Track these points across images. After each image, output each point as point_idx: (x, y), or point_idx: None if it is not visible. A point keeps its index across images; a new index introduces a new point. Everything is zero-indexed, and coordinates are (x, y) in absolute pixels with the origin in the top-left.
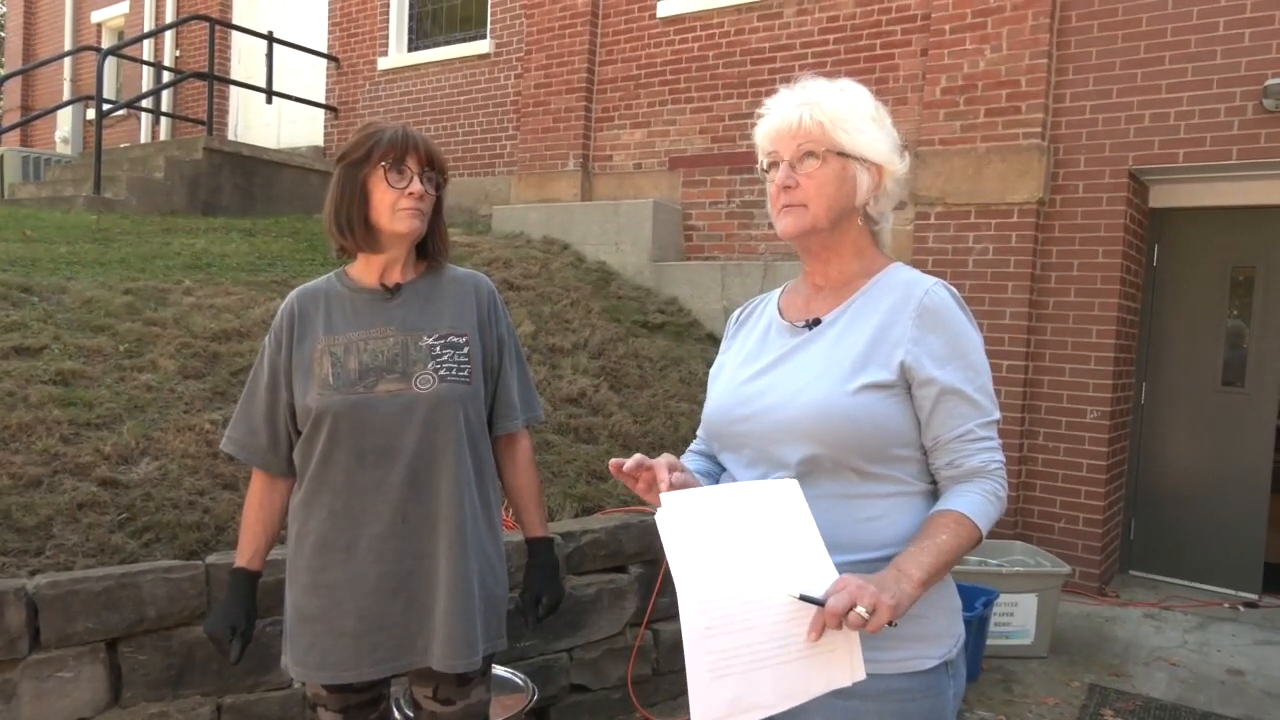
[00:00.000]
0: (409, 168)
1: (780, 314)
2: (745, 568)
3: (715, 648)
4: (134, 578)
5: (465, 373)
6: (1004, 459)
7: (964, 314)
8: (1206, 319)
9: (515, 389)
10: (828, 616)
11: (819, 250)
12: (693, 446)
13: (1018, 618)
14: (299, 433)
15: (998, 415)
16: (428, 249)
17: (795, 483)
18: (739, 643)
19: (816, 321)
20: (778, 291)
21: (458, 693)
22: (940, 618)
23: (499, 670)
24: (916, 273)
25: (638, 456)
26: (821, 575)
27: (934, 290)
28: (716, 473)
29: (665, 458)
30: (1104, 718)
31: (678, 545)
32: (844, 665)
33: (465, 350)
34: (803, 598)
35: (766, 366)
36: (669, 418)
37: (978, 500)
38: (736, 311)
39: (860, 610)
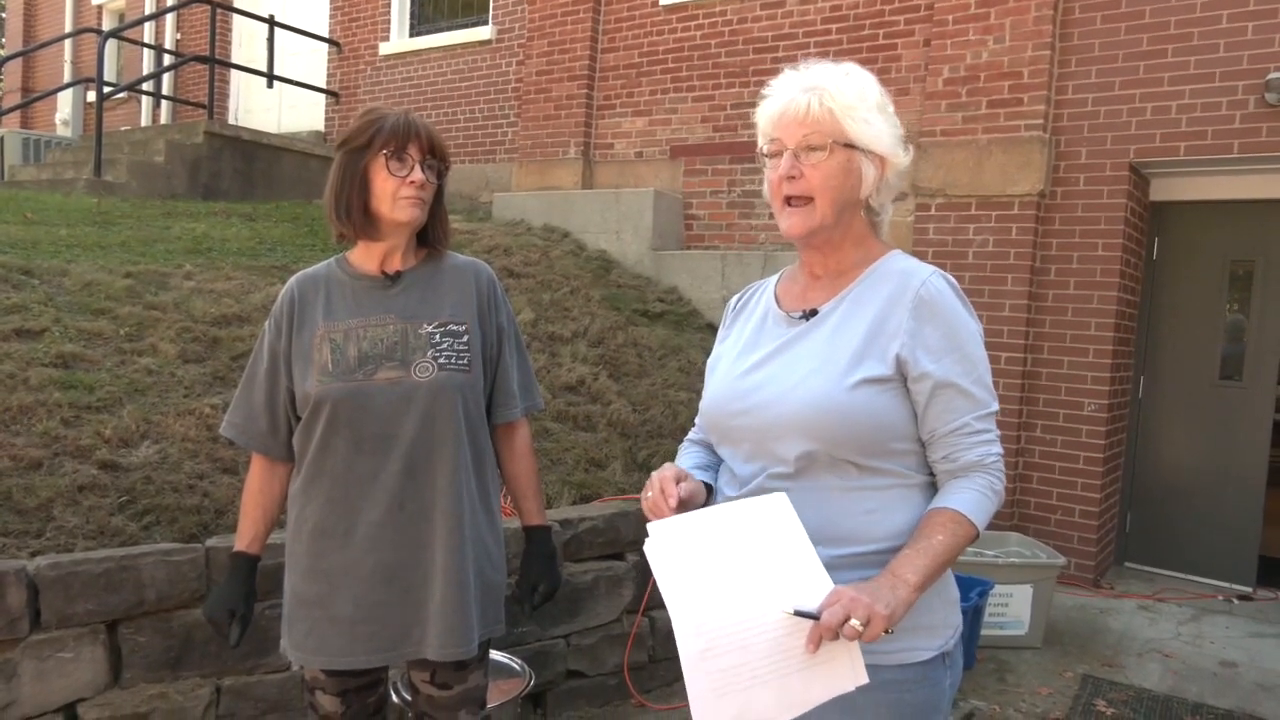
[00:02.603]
0: (411, 156)
1: (777, 303)
2: (738, 587)
3: (714, 668)
4: (134, 560)
5: (464, 361)
6: (1001, 451)
7: (962, 304)
8: (1205, 313)
9: (515, 377)
10: (823, 630)
11: (822, 244)
12: (691, 435)
13: (1012, 608)
14: (298, 418)
15: (995, 407)
16: (428, 237)
17: (784, 496)
18: (737, 661)
19: (813, 312)
20: (775, 278)
21: (455, 678)
22: (938, 609)
23: (496, 655)
24: (914, 261)
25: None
26: (816, 587)
27: (931, 280)
28: (716, 463)
29: (670, 468)
30: (1097, 708)
31: (668, 571)
32: (845, 672)
33: (465, 338)
34: (797, 613)
35: (763, 359)
36: (667, 406)
37: (973, 497)
38: (734, 298)
39: (854, 623)
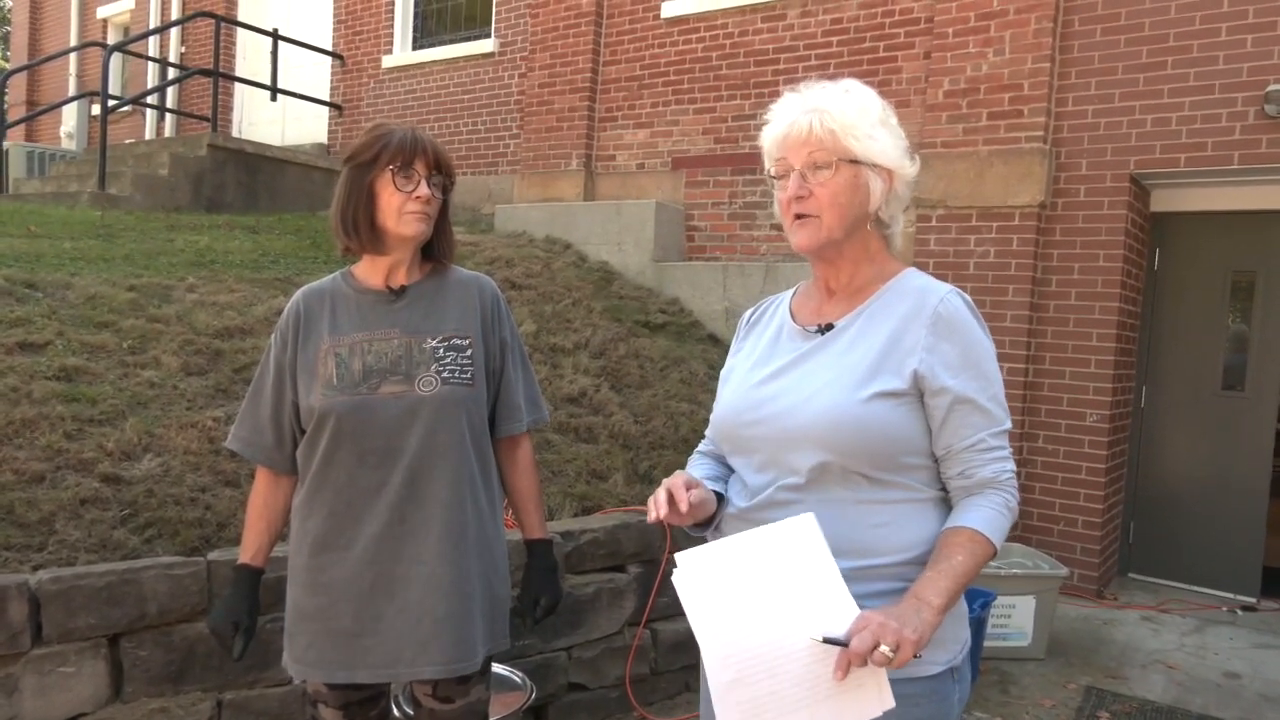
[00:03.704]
0: (417, 171)
1: (792, 317)
2: (766, 616)
3: (744, 698)
4: (136, 574)
5: (468, 375)
6: (1015, 468)
7: (977, 322)
8: (1207, 323)
9: (520, 391)
10: (852, 657)
11: (833, 258)
12: (700, 448)
13: (1015, 619)
14: (303, 432)
15: (1009, 424)
16: (433, 251)
17: (811, 517)
18: (766, 690)
19: (829, 326)
20: (789, 293)
21: (457, 691)
22: (946, 624)
23: (497, 668)
24: (930, 279)
25: (666, 493)
26: (842, 613)
27: (948, 298)
28: (726, 475)
29: (680, 475)
30: None
31: (697, 602)
32: (872, 697)
33: (468, 353)
34: (826, 640)
35: (778, 371)
36: (669, 418)
37: (990, 514)
38: (748, 312)
39: (884, 649)
